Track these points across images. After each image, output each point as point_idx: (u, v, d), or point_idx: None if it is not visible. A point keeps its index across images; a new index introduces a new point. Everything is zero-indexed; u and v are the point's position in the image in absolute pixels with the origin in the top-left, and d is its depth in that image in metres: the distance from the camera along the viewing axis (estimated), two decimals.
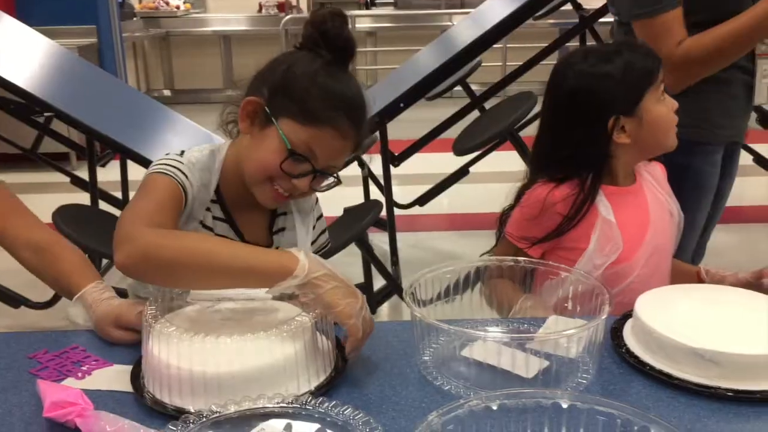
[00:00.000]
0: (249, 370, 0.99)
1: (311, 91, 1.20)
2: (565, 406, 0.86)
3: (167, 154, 1.27)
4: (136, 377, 1.07)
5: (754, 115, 2.23)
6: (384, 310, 3.12)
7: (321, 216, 1.47)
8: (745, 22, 1.60)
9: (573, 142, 1.45)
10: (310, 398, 0.90)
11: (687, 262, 1.73)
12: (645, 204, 1.51)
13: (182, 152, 1.28)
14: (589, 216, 1.43)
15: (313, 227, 1.43)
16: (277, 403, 0.90)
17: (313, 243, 1.43)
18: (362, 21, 7.69)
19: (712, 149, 1.78)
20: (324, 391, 1.03)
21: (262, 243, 1.33)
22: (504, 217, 1.55)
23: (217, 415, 0.87)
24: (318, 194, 1.37)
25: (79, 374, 1.11)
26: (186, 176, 1.23)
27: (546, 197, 1.44)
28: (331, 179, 1.27)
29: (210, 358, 0.98)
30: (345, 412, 0.87)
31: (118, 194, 3.63)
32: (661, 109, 1.45)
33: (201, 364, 0.99)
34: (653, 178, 1.55)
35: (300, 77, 1.21)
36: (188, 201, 1.24)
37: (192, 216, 1.27)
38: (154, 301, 1.09)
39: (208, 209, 1.29)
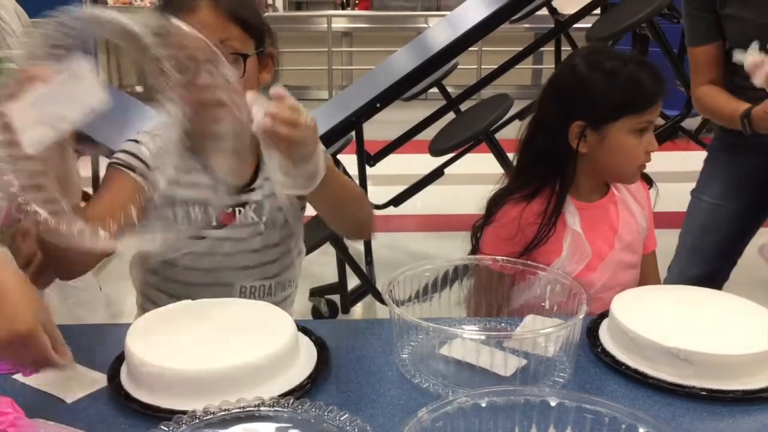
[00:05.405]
0: (228, 368, 0.97)
1: None
2: (553, 404, 0.87)
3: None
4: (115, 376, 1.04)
5: None
6: (358, 309, 3.12)
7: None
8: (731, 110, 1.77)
9: (545, 142, 1.43)
10: (306, 402, 0.88)
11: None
12: (613, 219, 1.49)
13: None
14: (561, 228, 1.43)
15: None
16: (270, 405, 0.87)
17: None
18: (338, 21, 7.67)
19: None
20: (304, 392, 1.02)
21: None
22: (476, 231, 1.51)
23: (210, 416, 0.85)
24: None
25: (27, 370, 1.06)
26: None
27: (521, 217, 1.42)
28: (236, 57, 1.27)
29: (189, 356, 0.97)
30: (341, 418, 0.85)
31: (89, 190, 3.57)
32: (631, 141, 1.39)
33: (180, 362, 0.97)
34: (630, 194, 1.53)
35: None
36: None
37: None
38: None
39: None
